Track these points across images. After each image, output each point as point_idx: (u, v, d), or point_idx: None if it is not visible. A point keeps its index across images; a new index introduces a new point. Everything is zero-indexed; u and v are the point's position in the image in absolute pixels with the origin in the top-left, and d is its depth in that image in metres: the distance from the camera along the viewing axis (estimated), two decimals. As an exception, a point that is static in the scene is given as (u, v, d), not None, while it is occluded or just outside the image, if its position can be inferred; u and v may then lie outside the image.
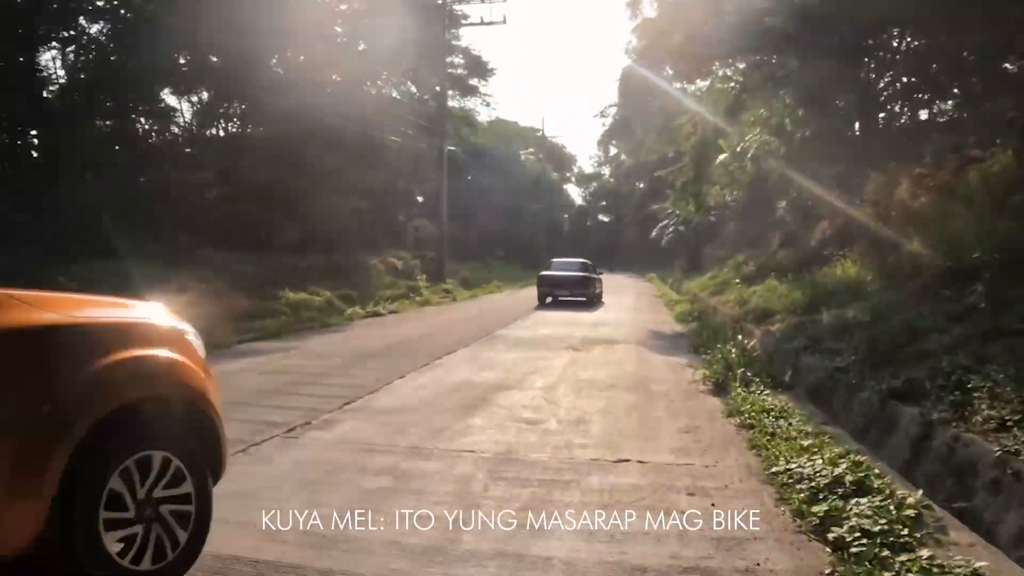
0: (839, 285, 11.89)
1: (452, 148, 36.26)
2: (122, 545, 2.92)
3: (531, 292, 27.41)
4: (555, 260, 27.20)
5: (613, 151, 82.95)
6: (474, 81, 37.46)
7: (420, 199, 46.02)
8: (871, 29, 20.27)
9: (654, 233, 45.58)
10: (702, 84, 38.83)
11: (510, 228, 55.53)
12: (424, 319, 17.79)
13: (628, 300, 24.73)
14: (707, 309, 20.04)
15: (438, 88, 31.73)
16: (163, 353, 3.32)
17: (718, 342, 10.75)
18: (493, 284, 30.13)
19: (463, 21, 32.50)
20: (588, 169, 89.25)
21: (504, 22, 29.06)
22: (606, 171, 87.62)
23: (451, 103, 41.61)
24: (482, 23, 30.78)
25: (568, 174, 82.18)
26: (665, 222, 43.63)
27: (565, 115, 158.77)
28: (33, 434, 2.62)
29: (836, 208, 19.83)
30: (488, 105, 53.91)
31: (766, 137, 29.89)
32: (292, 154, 29.92)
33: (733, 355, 9.17)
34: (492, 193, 53.40)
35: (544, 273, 24.69)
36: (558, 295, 23.45)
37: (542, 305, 21.55)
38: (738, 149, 32.75)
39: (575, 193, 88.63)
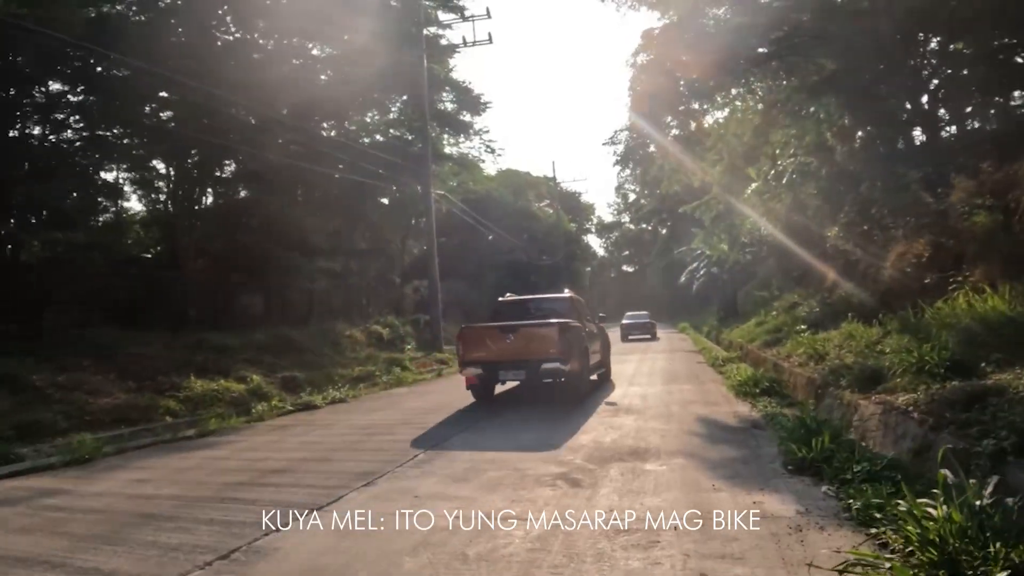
0: (981, 326, 7.67)
1: (440, 194, 31.54)
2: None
3: None
4: (628, 313, 36.27)
5: (632, 196, 78.46)
6: (466, 116, 32.99)
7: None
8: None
9: (683, 278, 40.32)
10: (718, 114, 34.18)
11: (525, 284, 50.51)
12: (377, 409, 12.60)
13: (660, 361, 19.27)
14: (764, 366, 14.79)
15: (417, 124, 27.21)
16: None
17: (841, 450, 5.61)
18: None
19: (444, 43, 28.13)
20: (608, 218, 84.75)
21: (490, 41, 24.64)
22: (626, 219, 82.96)
23: (447, 148, 37.25)
24: (465, 44, 26.31)
25: (587, 224, 77.46)
26: (694, 265, 38.42)
27: (576, 158, 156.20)
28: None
29: (925, 222, 14.84)
30: (492, 151, 49.66)
31: (802, 158, 24.11)
32: (250, 213, 25.63)
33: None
34: (502, 247, 48.70)
35: (624, 323, 33.07)
36: (632, 336, 29.90)
37: None
38: (771, 173, 27.22)
39: (596, 244, 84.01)
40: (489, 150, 49.07)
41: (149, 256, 23.45)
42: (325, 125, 25.03)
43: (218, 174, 24.77)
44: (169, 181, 23.94)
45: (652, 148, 29.99)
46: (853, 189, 25.81)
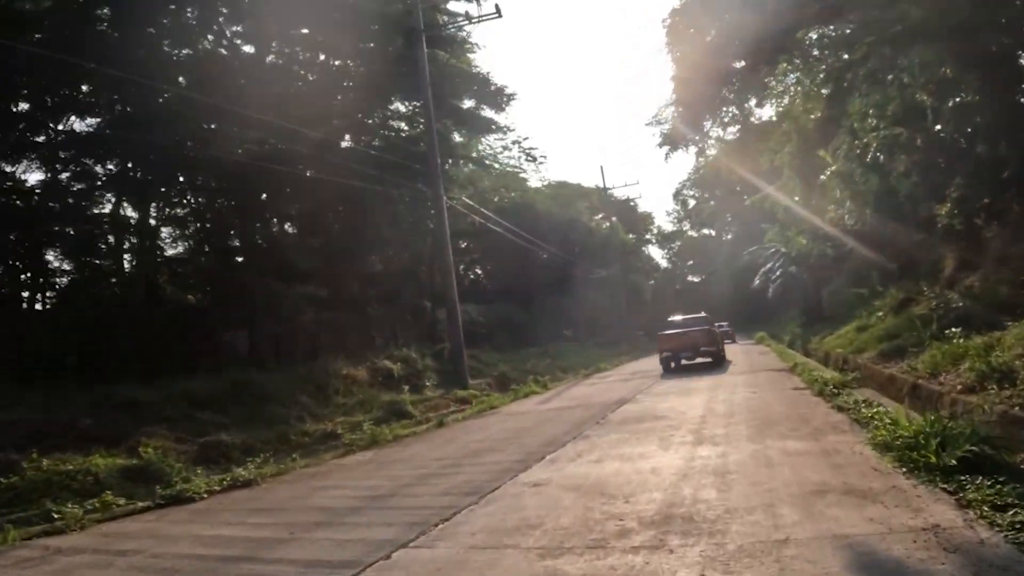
0: None
1: (456, 200, 27.02)
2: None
3: (593, 387, 19.23)
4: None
5: (692, 202, 72.65)
6: (486, 111, 28.43)
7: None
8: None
9: (756, 282, 34.63)
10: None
11: (579, 303, 45.62)
12: (266, 508, 7.82)
13: (741, 389, 13.58)
14: (904, 393, 9.67)
15: (423, 121, 22.91)
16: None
17: None
18: (528, 384, 19.89)
19: (449, 23, 23.66)
20: (668, 227, 78.95)
21: (498, 14, 20.06)
22: (687, 226, 77.09)
23: (474, 152, 32.80)
24: (469, 20, 21.81)
25: (646, 235, 71.90)
26: (768, 266, 32.81)
27: (625, 165, 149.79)
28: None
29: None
30: (532, 159, 44.88)
31: (887, 131, 20.67)
32: (225, 233, 21.71)
33: None
34: (554, 264, 43.99)
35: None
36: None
37: (578, 436, 10.69)
38: (853, 150, 21.74)
39: (658, 256, 78.31)
40: (530, 158, 44.51)
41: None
42: (321, 132, 20.74)
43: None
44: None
45: (707, 124, 25.07)
46: (964, 155, 19.74)
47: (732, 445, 7.64)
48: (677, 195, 74.14)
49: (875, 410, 8.42)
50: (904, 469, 5.53)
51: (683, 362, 22.03)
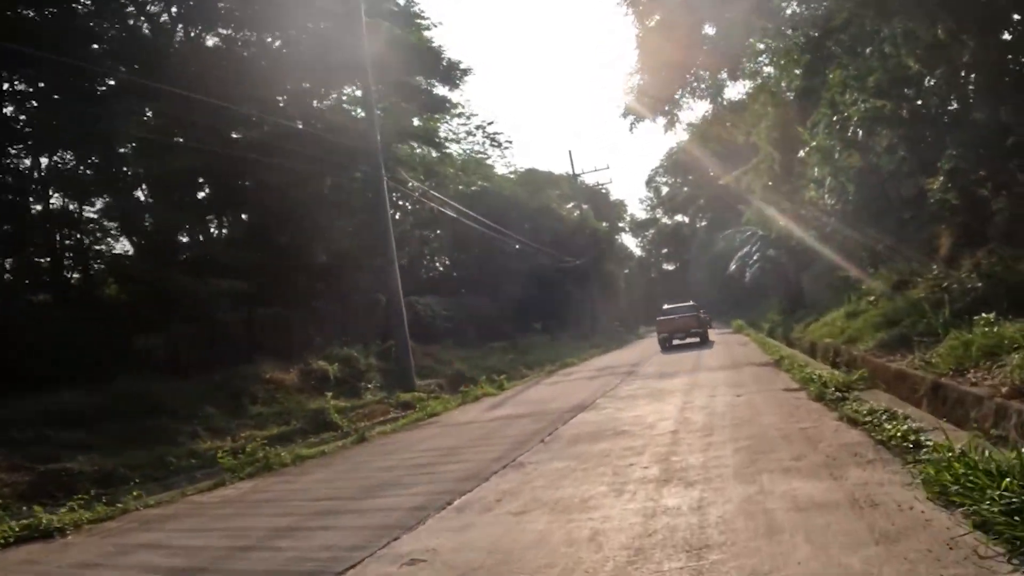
0: None
1: (406, 184, 24.56)
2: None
3: (554, 387, 17.16)
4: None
5: (665, 189, 70.60)
6: (442, 90, 25.96)
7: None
8: None
9: (732, 267, 32.39)
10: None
11: (550, 294, 43.31)
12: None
13: (722, 392, 11.14)
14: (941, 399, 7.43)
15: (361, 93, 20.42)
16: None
17: None
18: (481, 385, 17.33)
19: None
20: (641, 215, 76.74)
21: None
22: (661, 214, 75.00)
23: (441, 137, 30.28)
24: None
25: (620, 223, 69.69)
26: (745, 250, 30.66)
27: (597, 152, 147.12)
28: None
29: None
30: (497, 144, 42.56)
31: (869, 103, 18.47)
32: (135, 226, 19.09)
33: None
34: (524, 253, 41.62)
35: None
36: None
37: (511, 463, 8.21)
38: (837, 123, 19.36)
39: (632, 244, 76.14)
40: (494, 143, 42.13)
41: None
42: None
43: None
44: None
45: (676, 94, 22.69)
46: (957, 125, 18.07)
47: (713, 486, 5.26)
48: (650, 182, 72.12)
49: (902, 425, 6.13)
50: (1007, 550, 3.20)
51: (675, 342, 27.52)
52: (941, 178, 17.95)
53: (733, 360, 17.09)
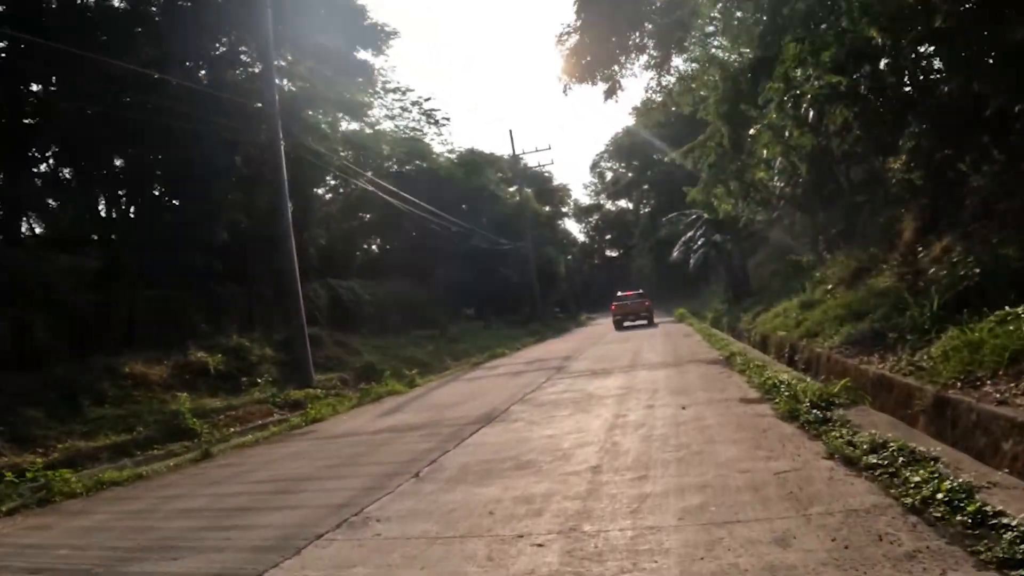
0: None
1: (330, 157, 21.76)
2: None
3: (470, 384, 14.88)
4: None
5: (609, 175, 68.73)
6: (364, 54, 23.15)
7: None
8: None
9: (676, 253, 30.39)
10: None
11: (486, 278, 40.93)
12: None
13: (663, 396, 9.16)
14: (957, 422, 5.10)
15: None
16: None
17: None
18: (387, 382, 14.72)
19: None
20: (586, 201, 74.77)
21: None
22: (605, 199, 73.15)
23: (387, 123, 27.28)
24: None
25: (563, 208, 67.56)
26: (689, 235, 28.70)
27: (541, 130, 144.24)
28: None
29: None
30: (434, 122, 39.85)
31: (824, 79, 16.11)
32: None
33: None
34: (459, 236, 39.10)
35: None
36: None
37: (354, 517, 5.87)
38: (789, 100, 16.33)
39: (576, 230, 74.11)
40: (431, 120, 39.37)
41: None
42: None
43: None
44: None
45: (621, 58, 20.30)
46: (923, 98, 15.98)
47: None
48: (594, 167, 70.05)
49: (933, 475, 3.90)
50: None
51: (625, 324, 32.72)
52: (903, 157, 16.16)
53: (677, 355, 14.86)
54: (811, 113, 18.08)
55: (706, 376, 10.64)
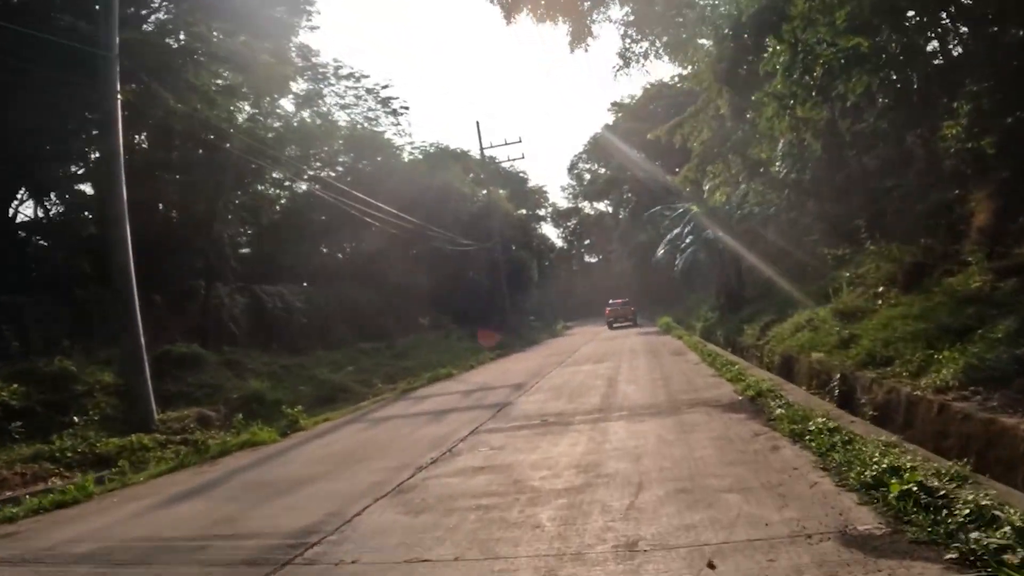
0: None
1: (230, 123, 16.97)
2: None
3: (378, 429, 10.39)
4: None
5: (588, 176, 64.28)
6: (282, 12, 18.48)
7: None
8: None
9: (660, 252, 25.78)
10: None
11: (455, 284, 36.26)
12: None
13: (663, 561, 3.87)
14: None
15: None
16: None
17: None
18: (255, 428, 10.02)
19: None
20: (564, 204, 70.17)
21: None
22: (584, 203, 68.68)
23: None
24: None
25: (540, 211, 62.93)
26: (676, 232, 24.12)
27: (516, 127, 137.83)
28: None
29: None
30: (393, 112, 35.15)
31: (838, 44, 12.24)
32: None
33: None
34: (420, 240, 34.45)
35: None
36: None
37: None
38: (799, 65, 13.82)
39: (554, 235, 69.46)
40: (387, 109, 34.62)
41: None
42: None
43: None
44: None
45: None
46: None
47: None
48: (572, 168, 65.35)
49: None
50: None
51: (615, 325, 38.33)
52: (960, 125, 11.95)
53: (670, 389, 10.00)
54: (825, 79, 13.90)
55: (730, 442, 5.92)
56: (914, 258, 11.29)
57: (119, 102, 11.25)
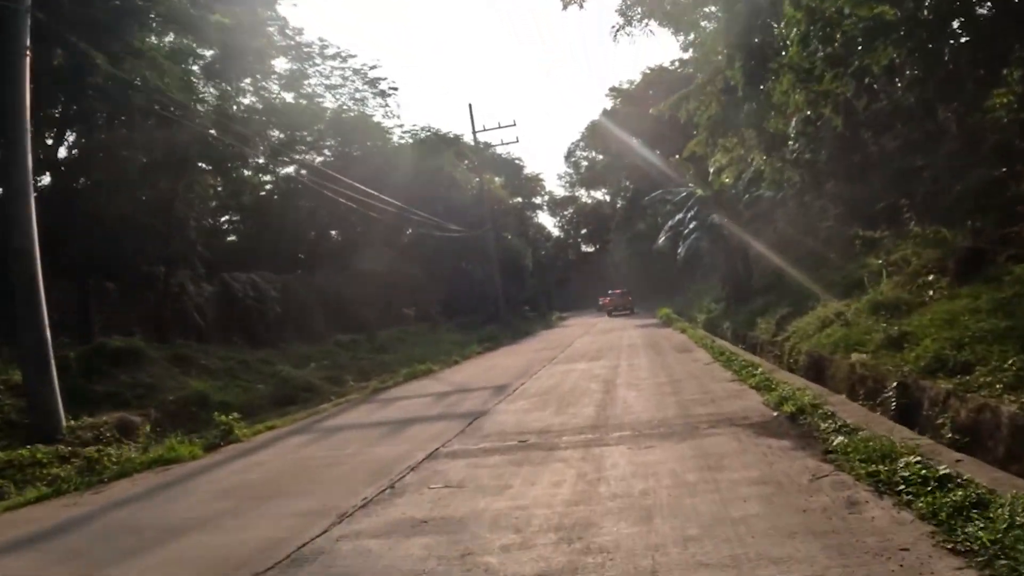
0: None
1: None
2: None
3: (325, 442, 8.70)
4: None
5: (585, 164, 62.29)
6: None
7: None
8: None
9: (661, 239, 23.87)
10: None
11: (447, 274, 34.43)
12: None
13: None
14: None
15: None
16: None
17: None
18: (172, 441, 8.23)
19: None
20: (560, 192, 68.11)
21: None
22: (582, 191, 66.69)
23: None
24: None
25: (536, 199, 60.90)
26: (679, 217, 22.24)
27: (513, 118, 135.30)
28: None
29: None
30: (381, 94, 33.11)
31: (869, 9, 10.54)
32: None
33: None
34: (407, 227, 32.46)
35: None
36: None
37: None
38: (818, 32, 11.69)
39: (550, 224, 67.44)
40: (375, 90, 32.56)
41: None
42: None
43: None
44: None
45: None
46: None
47: None
48: (569, 156, 63.25)
49: None
50: None
51: (614, 313, 40.79)
52: (1018, 89, 10.20)
53: (681, 398, 7.92)
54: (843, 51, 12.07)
55: (781, 491, 4.01)
56: (967, 242, 9.48)
57: (27, 60, 9.32)
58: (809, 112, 14.90)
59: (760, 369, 9.08)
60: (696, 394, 8.08)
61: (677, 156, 23.03)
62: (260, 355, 16.32)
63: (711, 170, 20.63)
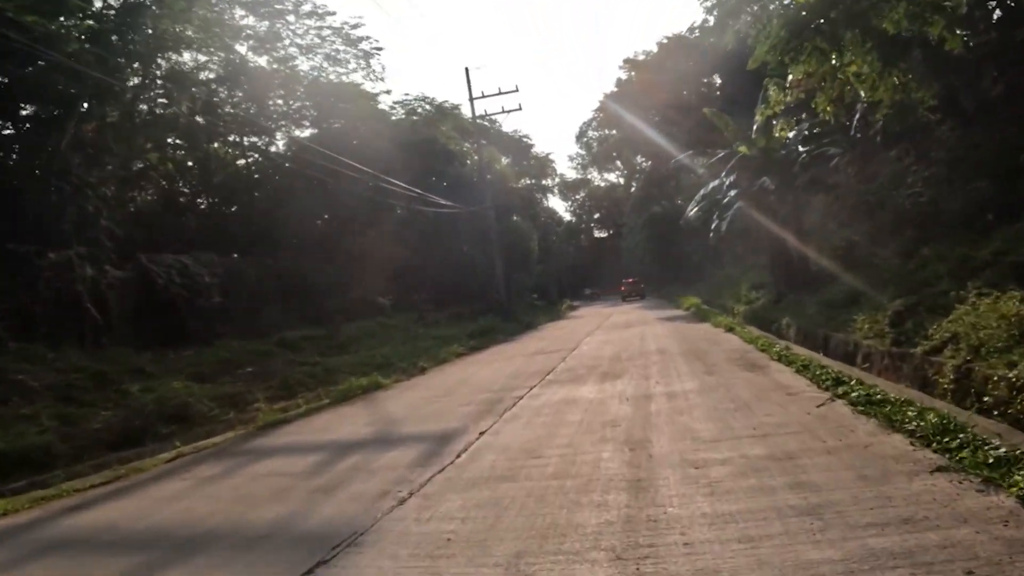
0: None
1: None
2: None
3: None
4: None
5: (596, 145, 56.99)
6: None
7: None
8: None
9: (691, 212, 18.62)
10: None
11: (445, 258, 29.59)
12: None
13: None
14: None
15: None
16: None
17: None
18: None
19: None
20: (572, 175, 62.83)
21: None
22: (593, 173, 61.39)
23: None
24: None
25: (546, 181, 55.62)
26: (715, 184, 17.05)
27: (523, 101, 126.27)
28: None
29: None
30: (366, 55, 28.23)
31: None
32: None
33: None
34: (398, 204, 27.65)
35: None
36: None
37: None
38: None
39: (562, 208, 62.26)
40: (357, 52, 27.59)
41: None
42: None
43: None
44: None
45: None
46: None
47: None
48: (581, 136, 57.81)
49: None
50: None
51: (626, 299, 43.85)
52: None
53: (847, 543, 3.22)
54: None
55: None
56: None
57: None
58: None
59: (971, 427, 4.08)
60: (850, 487, 3.12)
61: (707, 110, 17.82)
62: (163, 359, 11.56)
63: (756, 121, 15.59)
